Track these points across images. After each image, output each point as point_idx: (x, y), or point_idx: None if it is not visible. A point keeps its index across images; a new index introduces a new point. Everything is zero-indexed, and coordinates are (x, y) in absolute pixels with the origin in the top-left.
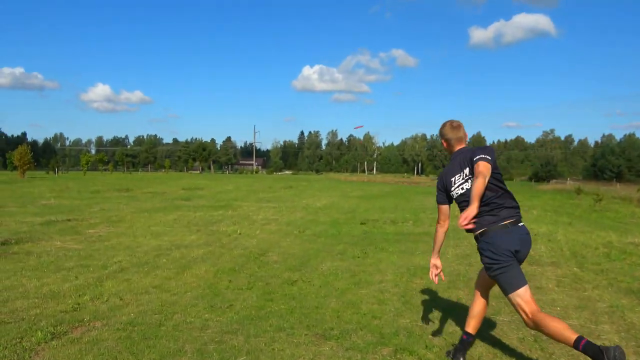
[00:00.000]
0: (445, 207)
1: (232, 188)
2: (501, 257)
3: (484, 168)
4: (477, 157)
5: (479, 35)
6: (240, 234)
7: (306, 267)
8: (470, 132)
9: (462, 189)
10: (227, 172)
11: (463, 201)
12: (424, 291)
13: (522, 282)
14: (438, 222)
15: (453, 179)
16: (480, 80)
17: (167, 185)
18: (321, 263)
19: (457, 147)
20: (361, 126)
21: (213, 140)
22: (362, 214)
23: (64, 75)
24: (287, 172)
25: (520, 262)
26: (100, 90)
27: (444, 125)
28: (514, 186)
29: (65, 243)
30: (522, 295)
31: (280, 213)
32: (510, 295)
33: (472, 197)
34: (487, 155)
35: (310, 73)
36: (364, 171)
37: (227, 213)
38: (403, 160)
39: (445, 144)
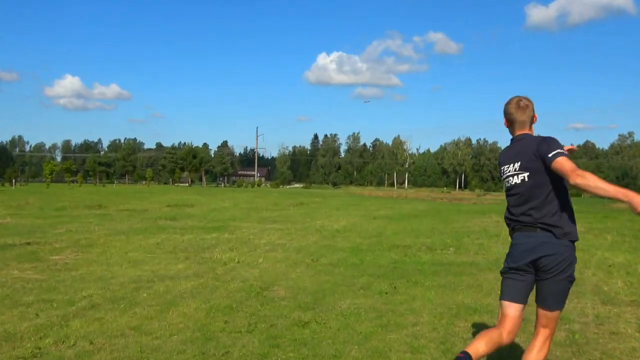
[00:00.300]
0: None
1: (228, 205)
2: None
3: (571, 165)
4: (552, 153)
5: (538, 14)
6: (238, 262)
7: (320, 305)
8: None
9: (509, 182)
10: (223, 184)
11: (510, 195)
12: (469, 337)
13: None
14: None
15: (503, 167)
16: (540, 71)
17: (148, 202)
18: (339, 300)
19: (520, 132)
20: (368, 101)
21: (206, 145)
22: (390, 239)
23: (24, 66)
24: (296, 185)
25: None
26: (69, 84)
27: (510, 101)
28: (582, 204)
29: (23, 272)
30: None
31: (288, 237)
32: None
33: (610, 190)
34: (560, 149)
35: (327, 62)
36: (392, 184)
37: (223, 236)
38: (442, 171)
39: (506, 123)
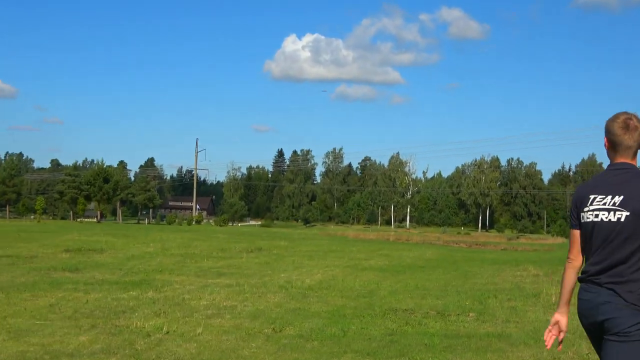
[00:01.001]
0: (579, 234)
1: (154, 250)
2: None
3: None
4: None
5: None
6: (167, 333)
7: None
8: (580, 153)
9: (596, 215)
10: (147, 221)
11: (591, 235)
12: None
13: None
14: (568, 258)
15: (593, 197)
16: (595, 62)
17: (39, 244)
18: None
19: (622, 159)
20: (325, 90)
21: (122, 165)
22: (385, 300)
23: None
24: (252, 222)
25: None
26: None
27: (615, 118)
28: None
29: None
30: None
31: (239, 296)
32: None
33: None
34: None
35: (297, 49)
36: (389, 222)
37: (146, 295)
38: (459, 203)
39: (607, 144)
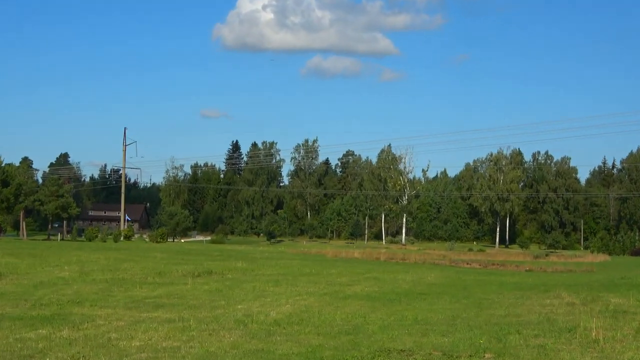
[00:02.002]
0: None
1: (71, 274)
2: None
3: None
4: None
5: None
6: None
7: None
8: (627, 144)
9: None
10: (61, 235)
11: None
12: None
13: None
14: None
15: None
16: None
17: None
18: None
19: None
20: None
21: (27, 162)
22: (375, 337)
23: None
24: (200, 237)
25: None
26: None
27: None
28: None
29: None
30: None
31: (184, 335)
32: None
33: None
34: None
35: (257, 8)
36: (379, 236)
37: (59, 334)
38: (470, 210)
39: None
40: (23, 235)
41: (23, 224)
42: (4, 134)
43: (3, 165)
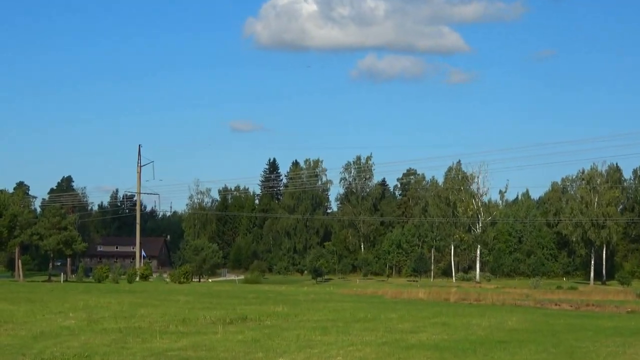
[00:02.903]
0: None
1: (77, 323)
2: None
3: None
4: None
5: None
6: None
7: None
8: None
9: None
10: (64, 276)
11: None
12: None
13: None
14: None
15: None
16: None
17: None
18: None
19: None
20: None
21: (23, 189)
22: None
23: None
24: (231, 276)
25: None
26: None
27: None
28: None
29: None
30: None
31: None
32: None
33: None
34: None
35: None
36: (448, 271)
37: None
38: (558, 240)
39: None
40: (19, 276)
41: (19, 263)
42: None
43: None
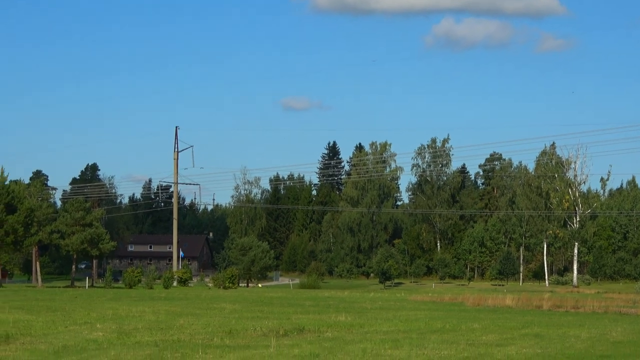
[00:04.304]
0: None
1: (106, 335)
2: None
3: None
4: None
5: None
6: None
7: None
8: None
9: None
10: (90, 281)
11: None
12: None
13: None
14: None
15: None
16: None
17: None
18: None
19: None
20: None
21: (41, 179)
22: None
23: None
24: (285, 280)
25: None
26: None
27: None
28: None
29: None
30: None
31: None
32: None
33: None
34: None
35: None
36: (539, 274)
37: None
38: None
39: None
40: (37, 280)
41: (37, 266)
42: (9, 140)
43: (7, 183)
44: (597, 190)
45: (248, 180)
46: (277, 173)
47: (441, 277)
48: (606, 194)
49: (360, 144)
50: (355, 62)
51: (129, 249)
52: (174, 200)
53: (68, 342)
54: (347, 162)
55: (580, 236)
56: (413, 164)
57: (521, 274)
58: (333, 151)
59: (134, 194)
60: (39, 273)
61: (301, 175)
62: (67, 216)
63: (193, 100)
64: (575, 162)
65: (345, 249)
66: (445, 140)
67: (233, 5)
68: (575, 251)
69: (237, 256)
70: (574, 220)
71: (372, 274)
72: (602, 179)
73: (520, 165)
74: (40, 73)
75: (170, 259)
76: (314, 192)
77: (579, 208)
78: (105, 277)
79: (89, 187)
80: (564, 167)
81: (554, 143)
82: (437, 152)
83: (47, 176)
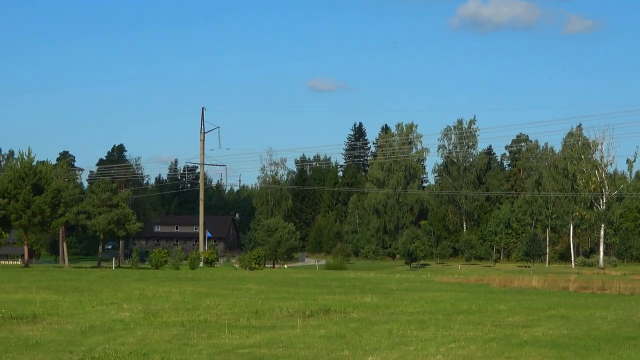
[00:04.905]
0: None
1: (133, 315)
2: None
3: None
4: None
5: None
6: None
7: None
8: None
9: None
10: (116, 261)
11: None
12: None
13: None
14: None
15: None
16: None
17: None
18: None
19: None
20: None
21: (67, 160)
22: None
23: None
24: (311, 261)
25: None
26: None
27: None
28: None
29: None
30: None
31: None
32: None
33: None
34: None
35: None
36: (565, 255)
37: None
38: None
39: None
40: (64, 261)
41: (64, 246)
42: (36, 121)
43: (34, 164)
44: (623, 172)
45: (274, 162)
46: (303, 154)
47: (467, 258)
48: (633, 175)
49: (386, 125)
50: (382, 44)
51: (156, 229)
52: (200, 181)
53: (95, 322)
54: (373, 143)
55: (607, 218)
56: (439, 145)
57: (547, 255)
58: (359, 132)
59: (160, 175)
60: (65, 253)
61: (327, 156)
62: (94, 197)
63: (220, 81)
64: (601, 144)
65: (371, 230)
66: (471, 122)
67: None
68: (602, 233)
69: (263, 237)
70: (601, 202)
71: (397, 255)
72: (628, 160)
73: (547, 146)
74: (68, 55)
75: (197, 239)
76: (340, 174)
77: (605, 189)
78: (131, 258)
79: (115, 168)
80: (590, 148)
81: (580, 124)
82: (464, 134)
83: (74, 157)
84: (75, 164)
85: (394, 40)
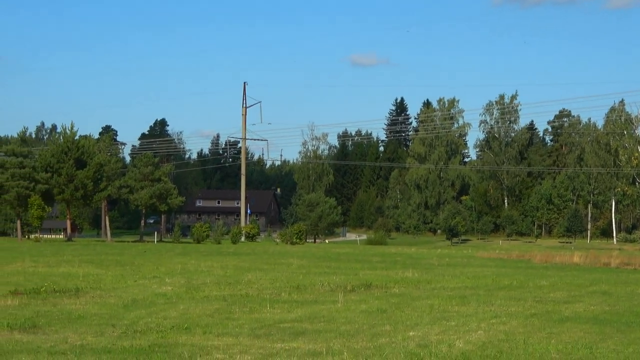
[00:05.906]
0: None
1: (175, 289)
2: None
3: None
4: None
5: None
6: None
7: None
8: None
9: None
10: (158, 236)
11: None
12: None
13: None
14: None
15: None
16: None
17: None
18: None
19: None
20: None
21: (110, 134)
22: None
23: None
24: (352, 236)
25: None
26: None
27: None
28: None
29: None
30: None
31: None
32: None
33: None
34: None
35: None
36: (607, 231)
37: None
38: None
39: None
40: (106, 235)
41: (106, 220)
42: (79, 95)
43: (77, 138)
44: None
45: (316, 136)
46: (345, 129)
47: (508, 234)
48: None
49: (427, 100)
50: (423, 18)
51: (197, 204)
52: (242, 155)
53: (137, 296)
54: (415, 118)
55: (622, 194)
56: (481, 121)
57: (589, 231)
58: (400, 107)
59: (202, 150)
60: (108, 227)
61: (369, 131)
62: (136, 171)
63: (261, 56)
64: (633, 115)
65: (412, 206)
66: (513, 97)
67: None
68: (620, 209)
69: (304, 212)
70: (634, 173)
71: (439, 231)
72: None
73: (589, 122)
74: (110, 27)
75: (238, 214)
76: (382, 149)
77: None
78: (173, 232)
79: (157, 142)
80: (633, 124)
81: (623, 100)
82: (505, 109)
83: (116, 131)
84: (118, 139)
85: (407, 29)
